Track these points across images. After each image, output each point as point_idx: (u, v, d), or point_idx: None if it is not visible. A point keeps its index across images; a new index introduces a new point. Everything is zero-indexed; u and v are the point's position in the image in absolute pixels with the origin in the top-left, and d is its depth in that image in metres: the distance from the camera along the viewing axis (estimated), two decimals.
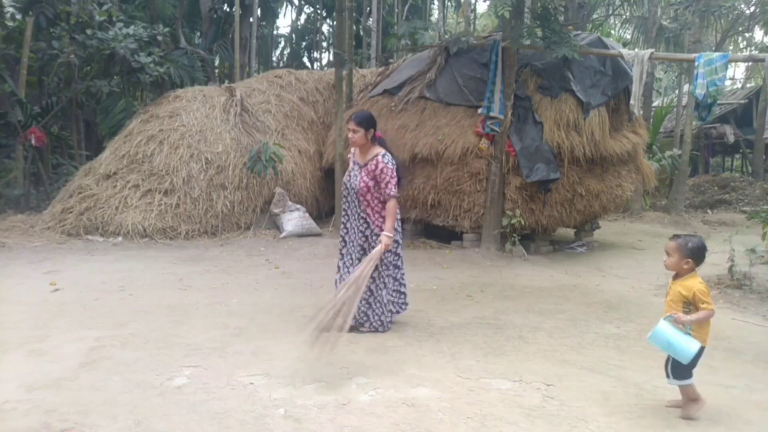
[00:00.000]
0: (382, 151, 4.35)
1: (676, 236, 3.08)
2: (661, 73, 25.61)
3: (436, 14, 23.20)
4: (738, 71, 29.71)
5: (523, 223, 7.99)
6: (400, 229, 4.49)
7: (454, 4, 22.76)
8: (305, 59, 22.93)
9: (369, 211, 4.36)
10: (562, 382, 3.52)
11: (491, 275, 6.96)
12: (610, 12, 19.88)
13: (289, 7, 22.52)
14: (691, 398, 3.07)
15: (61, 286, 5.62)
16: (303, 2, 22.36)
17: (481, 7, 23.11)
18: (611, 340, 4.50)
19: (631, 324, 4.98)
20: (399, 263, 4.55)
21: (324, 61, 23.42)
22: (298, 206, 9.55)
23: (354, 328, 4.38)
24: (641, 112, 10.45)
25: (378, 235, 4.30)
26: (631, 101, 7.94)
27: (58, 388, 3.19)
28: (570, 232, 9.99)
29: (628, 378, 3.65)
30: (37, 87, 11.87)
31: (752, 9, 17.99)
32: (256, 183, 9.46)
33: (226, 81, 14.92)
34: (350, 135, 4.37)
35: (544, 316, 5.13)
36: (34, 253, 7.26)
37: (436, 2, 22.48)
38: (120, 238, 8.28)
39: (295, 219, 9.28)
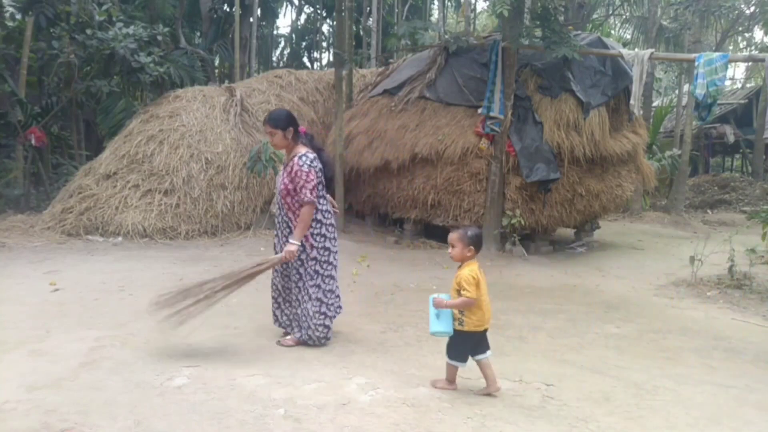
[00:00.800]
0: (302, 151, 3.94)
1: (455, 228, 3.41)
2: (661, 73, 25.60)
3: (436, 14, 23.18)
4: (738, 71, 29.75)
5: (523, 223, 7.99)
6: (332, 235, 4.07)
7: (454, 4, 22.75)
8: (305, 59, 22.92)
9: (291, 215, 3.96)
10: (562, 382, 3.52)
11: (491, 275, 6.94)
12: (610, 12, 19.87)
13: (289, 7, 22.53)
14: (448, 377, 3.37)
15: (61, 286, 5.61)
16: (303, 2, 22.35)
17: (482, 7, 23.09)
18: (611, 340, 4.50)
19: (631, 324, 4.98)
20: (331, 273, 4.09)
21: (324, 61, 23.44)
22: None
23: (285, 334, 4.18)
24: (641, 112, 10.45)
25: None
26: (631, 101, 7.94)
27: (58, 388, 3.19)
28: (570, 232, 9.99)
29: (628, 378, 3.65)
30: (37, 87, 11.87)
31: (752, 9, 17.99)
32: (256, 183, 9.45)
33: (226, 81, 14.91)
34: (269, 139, 4.07)
35: (544, 316, 5.13)
36: (34, 253, 7.25)
37: (436, 2, 22.47)
38: (120, 238, 8.27)
39: None
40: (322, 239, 4.01)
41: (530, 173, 7.87)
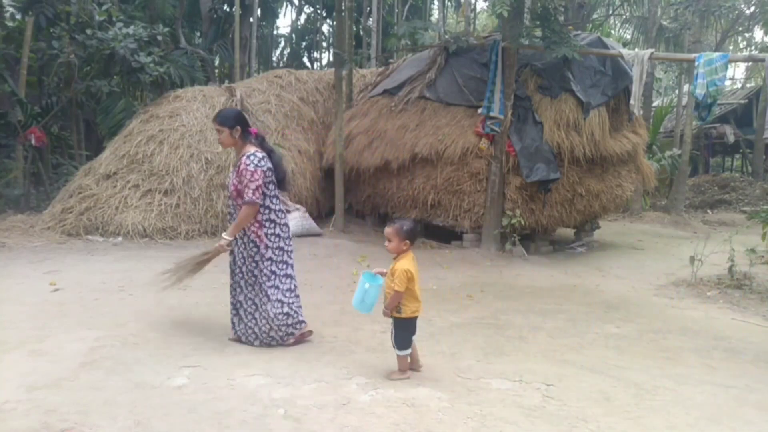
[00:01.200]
0: (251, 150, 3.94)
1: (391, 222, 3.57)
2: (661, 73, 25.61)
3: (436, 14, 23.19)
4: (738, 71, 29.79)
5: (523, 223, 7.99)
6: (285, 234, 4.09)
7: (454, 4, 22.76)
8: (305, 59, 22.93)
9: None
10: (562, 382, 3.52)
11: (491, 275, 6.96)
12: (610, 12, 19.88)
13: (289, 7, 22.53)
14: (400, 368, 3.52)
15: (61, 286, 5.61)
16: (303, 2, 22.35)
17: (482, 7, 23.09)
18: (611, 340, 4.50)
19: (631, 324, 4.98)
20: (287, 271, 4.07)
21: (324, 61, 23.44)
22: (298, 206, 9.54)
23: (238, 340, 4.11)
24: (641, 112, 10.46)
25: (254, 242, 3.93)
26: (631, 101, 7.94)
27: (58, 388, 3.19)
28: (570, 232, 9.99)
29: (628, 378, 3.65)
30: (37, 87, 11.87)
31: (752, 9, 18.00)
32: None
33: (226, 81, 14.91)
34: (217, 135, 4.07)
35: (544, 316, 5.13)
36: (34, 253, 7.25)
37: (436, 2, 22.48)
38: (120, 238, 8.27)
39: (295, 219, 9.27)
40: (277, 239, 4.01)
41: (530, 173, 7.87)
